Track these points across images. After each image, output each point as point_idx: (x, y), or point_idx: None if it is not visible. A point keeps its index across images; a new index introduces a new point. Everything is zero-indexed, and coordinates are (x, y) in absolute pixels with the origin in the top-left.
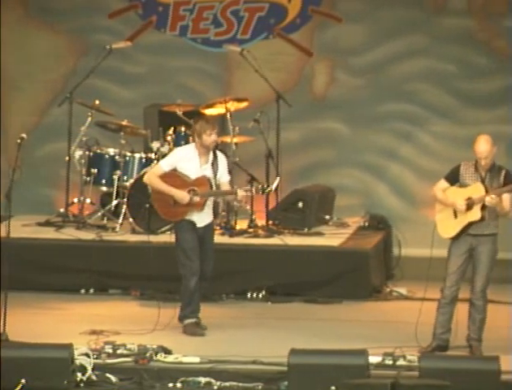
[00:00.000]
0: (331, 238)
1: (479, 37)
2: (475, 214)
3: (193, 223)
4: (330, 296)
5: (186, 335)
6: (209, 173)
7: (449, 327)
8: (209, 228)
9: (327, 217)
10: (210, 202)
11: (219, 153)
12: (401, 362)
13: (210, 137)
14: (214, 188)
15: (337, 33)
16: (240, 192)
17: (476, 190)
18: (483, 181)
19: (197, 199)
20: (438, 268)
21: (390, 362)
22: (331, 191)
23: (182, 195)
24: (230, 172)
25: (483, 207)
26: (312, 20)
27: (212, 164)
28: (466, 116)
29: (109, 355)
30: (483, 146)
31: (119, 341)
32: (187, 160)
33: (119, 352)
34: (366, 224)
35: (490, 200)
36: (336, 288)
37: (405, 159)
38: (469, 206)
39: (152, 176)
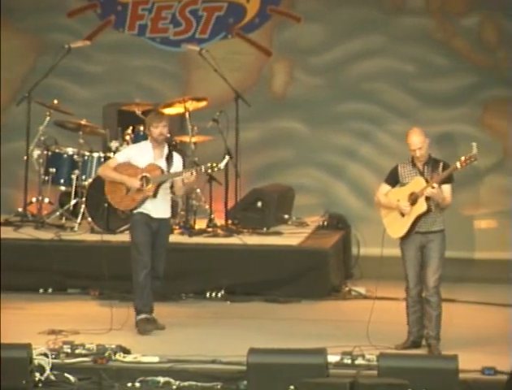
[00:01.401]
0: (290, 237)
1: (437, 37)
2: (421, 206)
3: (147, 217)
4: (289, 296)
5: (138, 332)
6: (162, 166)
7: (422, 324)
8: (164, 225)
9: (287, 216)
10: (166, 196)
11: (175, 153)
12: (359, 361)
13: (157, 129)
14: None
15: (296, 33)
16: (186, 174)
17: (417, 184)
18: (422, 174)
19: (148, 185)
20: (394, 266)
21: (349, 361)
22: (291, 190)
23: (132, 180)
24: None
25: (428, 198)
26: (271, 20)
27: (167, 159)
28: (424, 116)
29: (67, 355)
30: (416, 138)
31: (77, 341)
32: (141, 154)
33: (77, 351)
34: (325, 224)
35: (431, 190)
36: (295, 287)
37: (364, 159)
38: (413, 201)
39: (105, 167)
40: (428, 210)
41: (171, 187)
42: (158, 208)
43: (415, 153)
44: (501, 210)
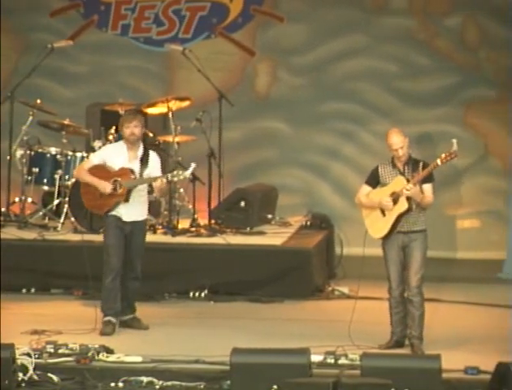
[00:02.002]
0: (273, 237)
1: (419, 37)
2: (402, 205)
3: (118, 220)
4: (272, 296)
5: (99, 333)
6: (136, 167)
7: (405, 324)
8: (138, 226)
9: (270, 216)
10: (141, 198)
11: (151, 152)
12: (343, 361)
13: (128, 129)
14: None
15: (279, 33)
16: (156, 183)
17: (398, 183)
18: (402, 174)
19: (119, 189)
20: (377, 266)
21: (332, 361)
22: (274, 190)
23: (104, 184)
24: (171, 171)
25: (409, 197)
26: (254, 20)
27: (142, 159)
28: (407, 115)
29: (50, 355)
30: (397, 138)
31: (60, 341)
32: (116, 155)
33: (60, 351)
34: (309, 223)
35: (409, 189)
36: (278, 287)
37: (347, 159)
38: (395, 200)
39: (80, 169)
40: (409, 209)
41: (150, 186)
42: (132, 211)
43: (397, 152)
44: (484, 210)
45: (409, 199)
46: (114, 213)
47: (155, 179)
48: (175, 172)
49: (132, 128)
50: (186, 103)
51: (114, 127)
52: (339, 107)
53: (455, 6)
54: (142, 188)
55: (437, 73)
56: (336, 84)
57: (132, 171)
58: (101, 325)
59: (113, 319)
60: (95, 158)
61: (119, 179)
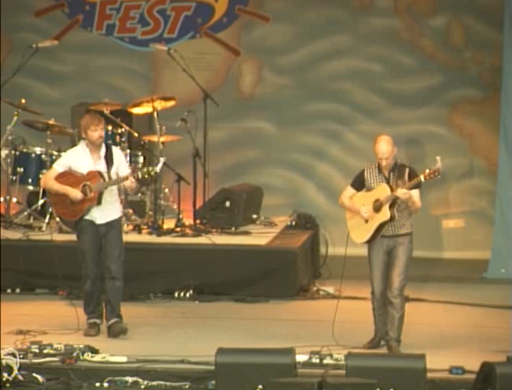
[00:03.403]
0: (258, 237)
1: (404, 37)
2: (385, 214)
3: (92, 223)
4: (257, 295)
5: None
6: (103, 168)
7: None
8: (113, 226)
9: (255, 216)
10: (113, 198)
11: (114, 148)
12: (327, 361)
13: (96, 133)
14: (106, 180)
15: (264, 33)
16: (126, 182)
17: (382, 191)
18: (387, 181)
19: (90, 194)
20: (361, 266)
21: (317, 361)
22: (259, 190)
23: (74, 192)
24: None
25: (392, 206)
26: (239, 20)
27: (106, 158)
28: (392, 115)
29: (35, 355)
30: (385, 147)
31: (45, 341)
32: (79, 159)
33: (45, 351)
34: (294, 223)
35: (403, 193)
36: (263, 286)
37: (332, 159)
38: (377, 208)
39: (47, 178)
40: (391, 219)
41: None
42: (104, 213)
43: (381, 161)
44: (469, 210)
45: (391, 208)
46: (87, 217)
47: (125, 178)
48: (144, 170)
49: (100, 131)
50: (171, 103)
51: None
52: (324, 107)
53: (440, 7)
54: (113, 188)
55: (422, 73)
56: (320, 84)
57: (100, 174)
58: (86, 326)
59: (97, 321)
60: (59, 166)
61: (89, 183)
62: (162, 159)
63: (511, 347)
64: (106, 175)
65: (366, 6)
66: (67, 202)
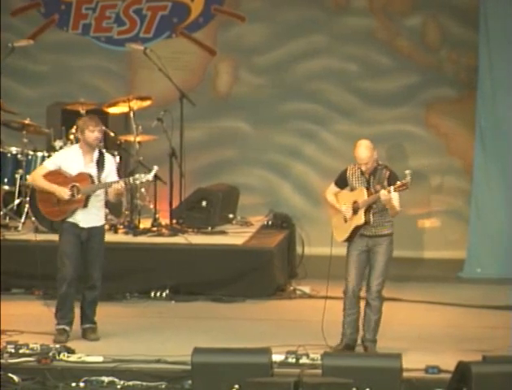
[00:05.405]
0: (234, 237)
1: (380, 37)
2: (359, 218)
3: (75, 226)
4: (234, 295)
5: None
6: (93, 172)
7: (357, 327)
8: (96, 233)
9: (231, 216)
10: (99, 203)
11: (106, 155)
12: (304, 361)
13: (93, 134)
14: (95, 183)
15: (240, 32)
16: (116, 184)
17: (360, 194)
18: (368, 183)
19: (78, 195)
20: (340, 266)
21: (293, 361)
22: (235, 190)
23: (62, 191)
24: (132, 172)
25: (367, 211)
26: (215, 19)
27: (97, 163)
28: (368, 115)
29: (11, 355)
30: (364, 153)
31: (21, 341)
32: (71, 160)
33: (21, 351)
34: (270, 223)
35: (384, 194)
36: (239, 286)
37: (308, 158)
38: (355, 210)
39: (36, 175)
40: (366, 223)
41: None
42: (89, 217)
43: (361, 166)
44: (445, 209)
45: (366, 213)
46: (70, 220)
47: (116, 183)
48: (136, 175)
49: (97, 133)
50: (147, 103)
51: (75, 127)
52: (300, 107)
53: (416, 6)
54: (99, 194)
55: (398, 73)
56: (297, 83)
57: (90, 177)
58: (55, 332)
59: (67, 327)
60: (50, 164)
61: (78, 184)
62: (155, 167)
63: (511, 347)
64: (96, 180)
65: (343, 6)
66: (54, 201)
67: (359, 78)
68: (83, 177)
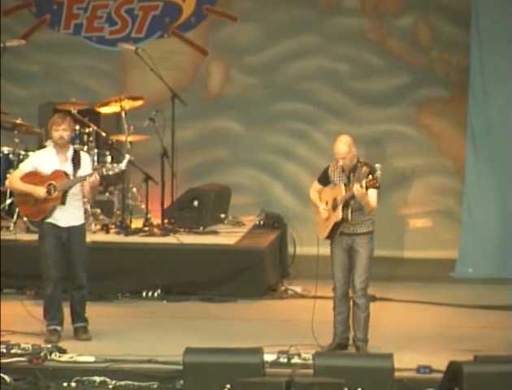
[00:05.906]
0: (226, 237)
1: (372, 37)
2: (337, 214)
3: (54, 227)
4: (225, 295)
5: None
6: (69, 169)
7: (347, 326)
8: (76, 233)
9: (223, 216)
10: (76, 202)
11: (82, 153)
12: (296, 360)
13: (57, 133)
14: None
15: (232, 32)
16: (90, 177)
17: (339, 191)
18: (348, 180)
19: (55, 193)
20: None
21: (285, 361)
22: (227, 190)
23: (38, 190)
24: (124, 172)
25: (344, 208)
26: (207, 19)
27: (73, 160)
28: (359, 115)
29: (3, 355)
30: (341, 148)
31: (13, 341)
32: (46, 160)
33: (13, 351)
34: (262, 223)
35: (357, 189)
36: (231, 286)
37: (300, 158)
38: (334, 207)
39: (12, 178)
40: (343, 220)
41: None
42: (68, 217)
43: (338, 161)
44: (436, 209)
45: (344, 210)
46: (50, 220)
47: (90, 175)
48: (109, 166)
49: (61, 132)
50: (139, 102)
51: None
52: (291, 107)
53: (407, 7)
54: (77, 192)
55: (389, 73)
56: (288, 83)
57: (65, 173)
58: (46, 333)
59: (58, 327)
60: (25, 166)
61: (54, 182)
62: (127, 156)
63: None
64: (71, 177)
65: (334, 6)
66: (32, 202)
67: (351, 78)
68: (58, 174)
